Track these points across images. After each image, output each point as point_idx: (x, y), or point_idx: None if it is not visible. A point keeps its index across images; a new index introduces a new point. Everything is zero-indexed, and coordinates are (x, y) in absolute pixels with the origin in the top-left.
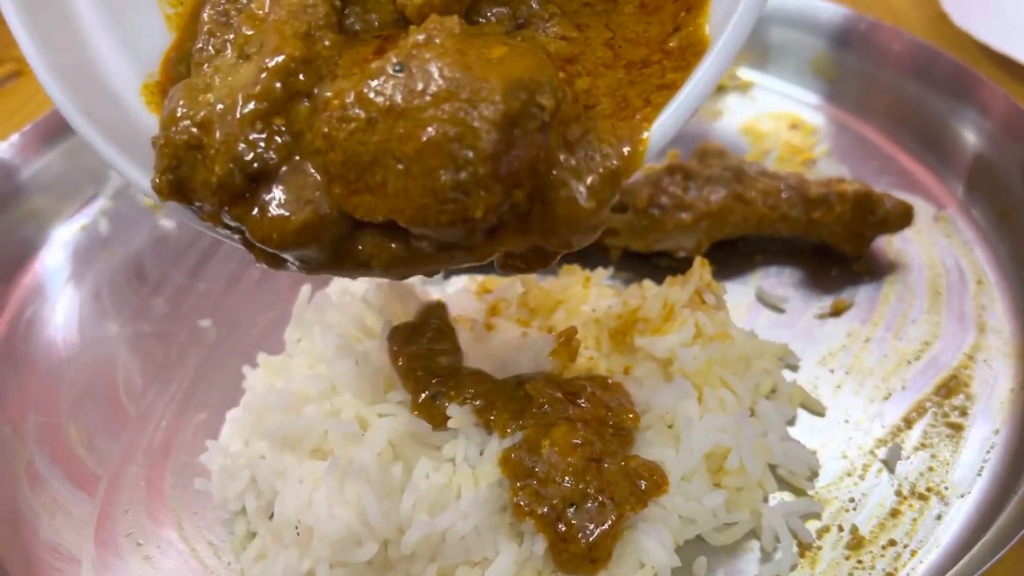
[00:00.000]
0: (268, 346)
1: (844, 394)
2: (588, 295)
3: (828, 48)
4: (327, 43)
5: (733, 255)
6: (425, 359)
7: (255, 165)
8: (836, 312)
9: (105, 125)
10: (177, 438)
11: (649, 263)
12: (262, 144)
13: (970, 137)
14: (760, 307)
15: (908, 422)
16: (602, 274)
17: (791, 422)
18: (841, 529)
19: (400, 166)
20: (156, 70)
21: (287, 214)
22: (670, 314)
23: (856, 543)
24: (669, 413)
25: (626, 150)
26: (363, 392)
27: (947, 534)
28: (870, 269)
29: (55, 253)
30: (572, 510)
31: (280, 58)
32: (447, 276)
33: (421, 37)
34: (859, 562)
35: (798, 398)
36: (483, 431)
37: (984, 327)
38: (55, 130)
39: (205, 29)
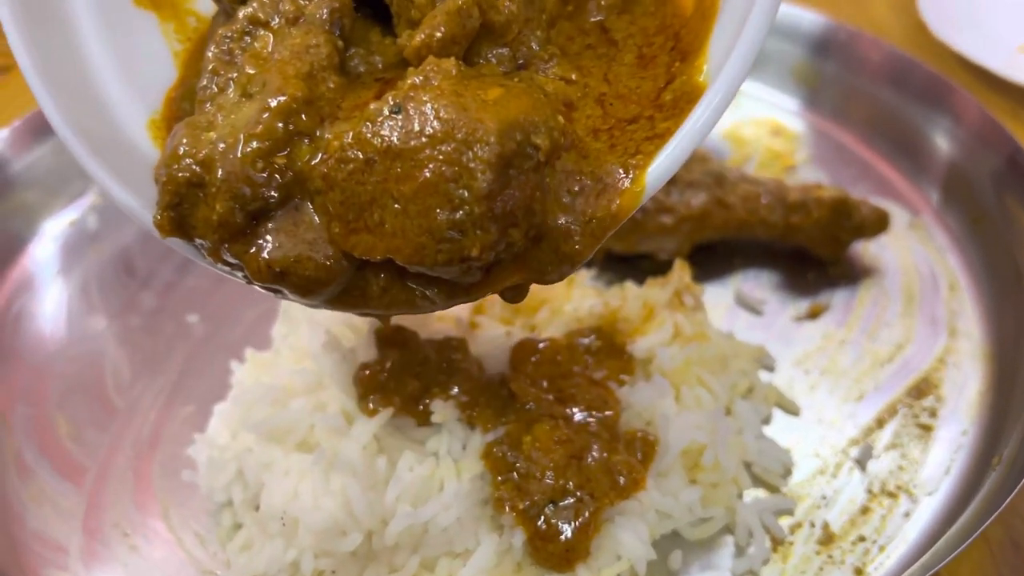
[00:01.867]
0: (255, 341)
1: (819, 394)
2: (571, 295)
3: (809, 56)
4: (331, 85)
5: (713, 258)
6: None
7: (256, 204)
8: (812, 315)
9: (112, 163)
10: (164, 430)
11: (631, 265)
12: (263, 182)
13: (944, 145)
14: (739, 309)
15: (880, 422)
16: (585, 275)
17: (766, 421)
18: (813, 525)
19: (397, 206)
20: (160, 107)
21: (285, 254)
22: (650, 315)
23: (827, 539)
24: (647, 410)
25: (621, 192)
26: (349, 387)
27: (914, 530)
28: (846, 273)
29: (44, 247)
30: (552, 507)
31: (282, 98)
32: None
33: (418, 79)
34: (829, 557)
35: (773, 398)
36: (466, 427)
37: (955, 331)
38: (45, 125)
39: (209, 67)
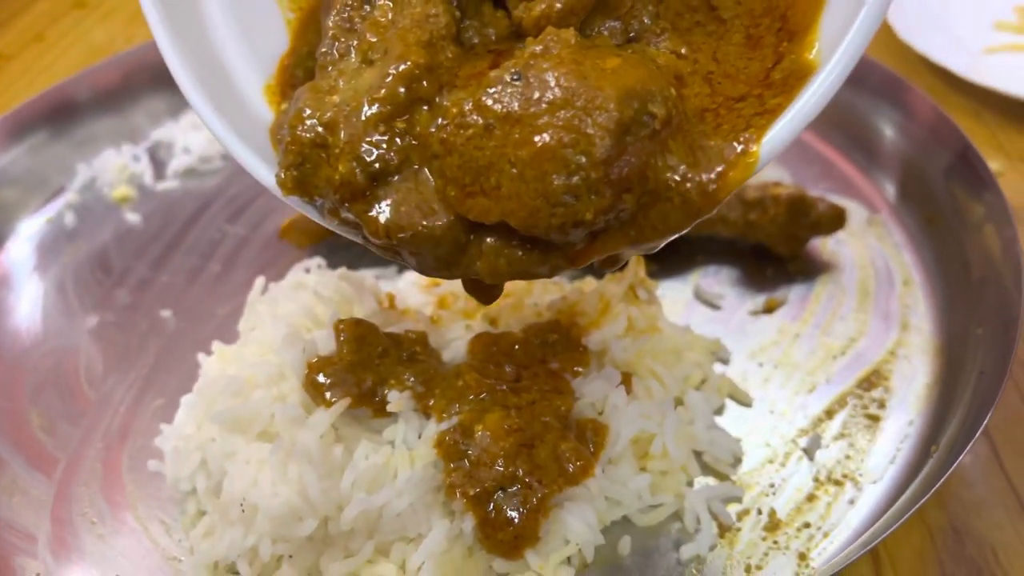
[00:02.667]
0: (225, 336)
1: (771, 386)
2: (532, 289)
3: None
4: (449, 54)
5: (675, 254)
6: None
7: (376, 165)
8: (769, 309)
9: (236, 125)
10: (135, 423)
11: None
12: (384, 145)
13: (900, 143)
14: (697, 304)
15: (829, 413)
16: None
17: (719, 412)
18: (760, 512)
19: (515, 170)
20: (274, 73)
21: (402, 216)
22: (606, 308)
23: (773, 525)
24: (599, 401)
25: (733, 162)
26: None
27: (857, 517)
28: (804, 269)
29: (21, 245)
30: (501, 493)
31: (405, 65)
32: (400, 270)
33: (539, 48)
34: (775, 543)
35: (726, 389)
36: (422, 416)
37: (907, 325)
38: (23, 124)
39: (330, 34)
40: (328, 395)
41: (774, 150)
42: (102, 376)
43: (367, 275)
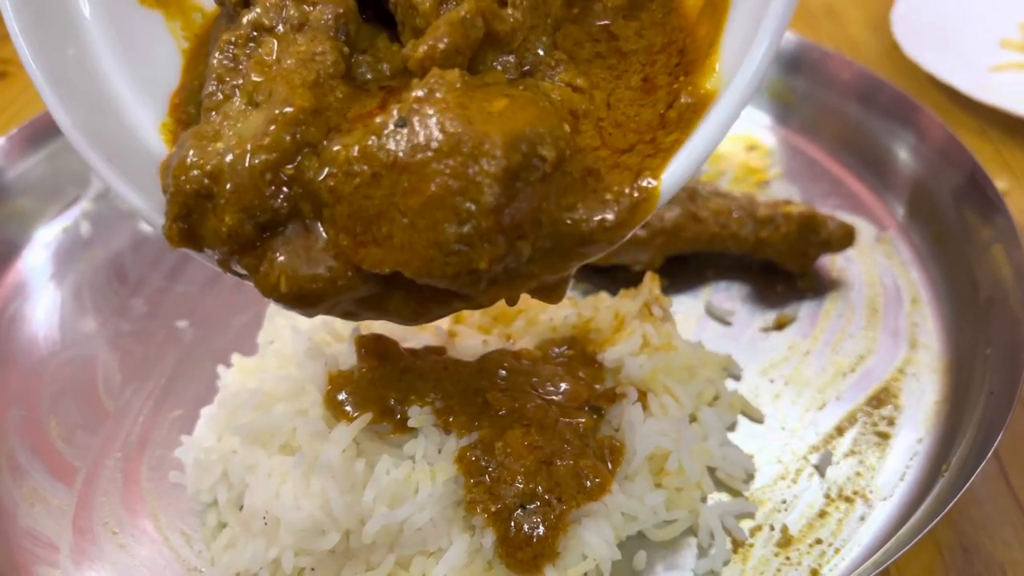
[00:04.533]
0: (242, 347)
1: (782, 403)
2: (547, 305)
3: (783, 74)
4: (338, 95)
5: (685, 270)
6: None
7: (264, 216)
8: (779, 326)
9: (125, 166)
10: (153, 433)
11: (606, 275)
12: (271, 195)
13: (910, 162)
14: (708, 320)
15: (840, 430)
16: None
17: (731, 428)
18: (772, 528)
19: (405, 220)
20: (167, 109)
21: (296, 270)
22: (620, 325)
23: (785, 541)
24: (615, 417)
25: (636, 196)
26: None
27: (868, 534)
28: (814, 286)
29: (37, 253)
30: (521, 511)
31: (289, 109)
32: None
33: (422, 92)
34: (787, 559)
35: (738, 406)
36: (442, 432)
37: (916, 343)
38: (40, 133)
39: (214, 75)
40: (349, 410)
41: (674, 185)
42: (120, 386)
43: None
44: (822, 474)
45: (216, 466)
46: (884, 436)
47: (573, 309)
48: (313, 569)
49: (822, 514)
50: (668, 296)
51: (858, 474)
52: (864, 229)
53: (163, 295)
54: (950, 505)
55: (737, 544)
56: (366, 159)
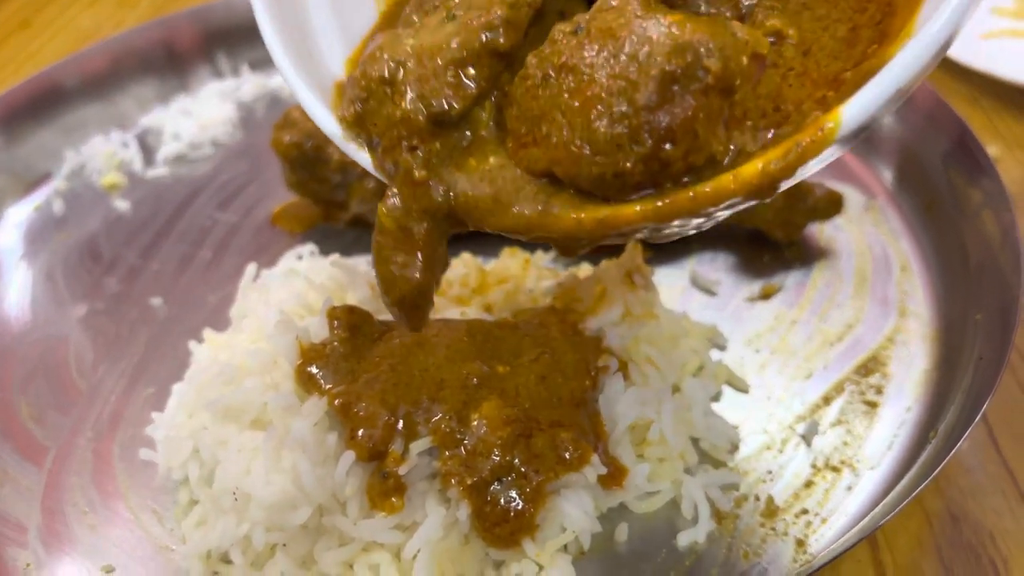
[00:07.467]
0: (216, 324)
1: (768, 373)
2: (527, 276)
3: None
4: (527, 10)
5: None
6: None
7: (437, 109)
8: (766, 296)
9: (307, 77)
10: (125, 411)
11: None
12: (450, 89)
13: (899, 130)
14: (694, 290)
15: (827, 399)
16: (542, 257)
17: (716, 398)
18: (758, 499)
19: (564, 119)
20: (357, 46)
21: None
22: (602, 295)
23: (770, 512)
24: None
25: (810, 129)
26: None
27: (855, 503)
28: (801, 255)
29: (8, 233)
30: (498, 484)
31: (486, 17)
32: None
33: (613, 2)
34: (772, 529)
35: (723, 376)
36: None
37: (905, 311)
38: (9, 111)
39: (413, 2)
40: (321, 383)
41: (859, 114)
42: (92, 365)
43: (360, 262)
44: (808, 444)
45: (186, 443)
46: (872, 405)
47: (554, 280)
48: (285, 545)
49: (808, 484)
50: (652, 267)
51: (845, 443)
52: (853, 197)
53: (137, 273)
54: (938, 469)
55: (721, 515)
56: (540, 62)
